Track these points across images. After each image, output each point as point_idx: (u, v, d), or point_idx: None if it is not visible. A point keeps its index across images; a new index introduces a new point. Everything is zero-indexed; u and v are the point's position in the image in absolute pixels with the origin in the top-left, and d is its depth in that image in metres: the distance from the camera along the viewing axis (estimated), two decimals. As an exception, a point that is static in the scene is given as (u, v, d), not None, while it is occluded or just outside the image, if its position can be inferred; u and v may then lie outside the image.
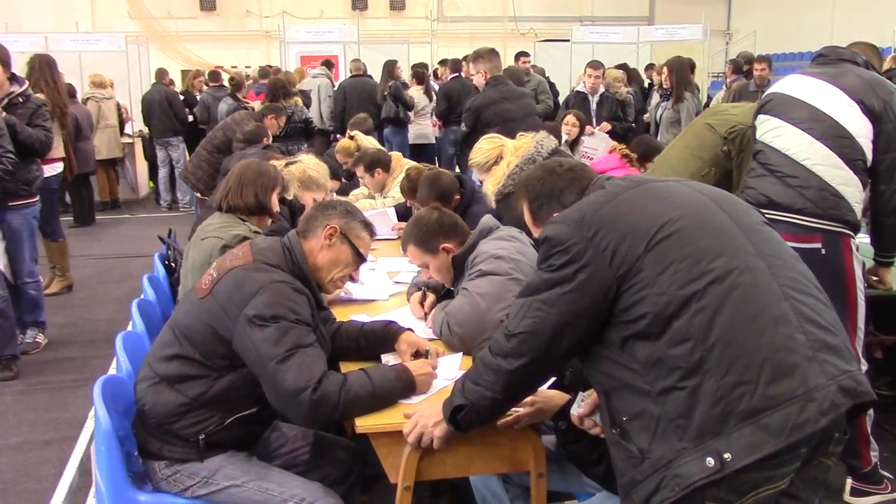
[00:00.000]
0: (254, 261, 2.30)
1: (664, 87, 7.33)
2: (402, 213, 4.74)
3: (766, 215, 2.06)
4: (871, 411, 3.03)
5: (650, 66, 11.56)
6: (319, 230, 2.44)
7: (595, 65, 8.36)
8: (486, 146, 3.90)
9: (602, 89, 8.32)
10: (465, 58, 9.06)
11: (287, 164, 3.90)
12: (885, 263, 3.16)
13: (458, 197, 3.95)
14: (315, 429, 2.61)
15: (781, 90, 3.19)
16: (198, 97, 10.83)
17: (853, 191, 2.98)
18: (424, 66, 10.87)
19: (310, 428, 2.58)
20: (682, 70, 7.16)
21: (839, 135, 2.96)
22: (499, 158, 3.79)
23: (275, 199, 3.36)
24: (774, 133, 3.11)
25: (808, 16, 17.38)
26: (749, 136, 3.41)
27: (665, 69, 7.26)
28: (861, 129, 2.95)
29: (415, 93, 9.94)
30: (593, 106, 8.15)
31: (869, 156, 2.97)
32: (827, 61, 3.17)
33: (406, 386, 2.25)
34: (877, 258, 3.16)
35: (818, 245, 2.94)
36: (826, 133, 2.97)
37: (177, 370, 2.29)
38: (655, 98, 8.74)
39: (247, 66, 13.81)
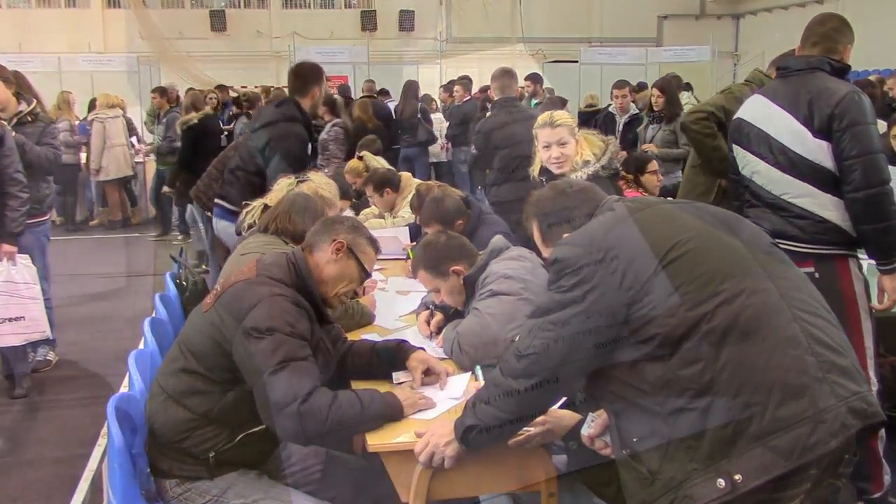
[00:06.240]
0: (257, 275, 2.33)
1: (654, 109, 6.85)
2: (415, 233, 4.75)
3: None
4: (882, 433, 3.02)
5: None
6: (326, 245, 2.46)
7: (619, 84, 7.82)
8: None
9: (634, 109, 7.71)
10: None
11: (298, 183, 3.92)
12: (889, 271, 3.06)
13: (461, 221, 3.86)
14: (303, 445, 2.57)
15: (745, 117, 3.24)
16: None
17: (835, 213, 2.98)
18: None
19: (297, 444, 2.52)
20: (671, 90, 7.01)
21: (803, 163, 2.98)
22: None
23: None
24: (751, 169, 3.18)
25: (816, 37, 17.35)
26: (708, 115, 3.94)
27: (655, 91, 6.87)
28: (820, 153, 2.96)
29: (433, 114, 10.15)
30: (619, 127, 7.51)
31: (836, 172, 2.96)
32: (788, 73, 3.19)
33: (394, 411, 2.26)
34: (878, 269, 3.11)
35: (811, 269, 2.95)
36: (792, 165, 3.01)
37: (183, 385, 2.30)
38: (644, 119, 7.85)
39: (255, 87, 13.89)
